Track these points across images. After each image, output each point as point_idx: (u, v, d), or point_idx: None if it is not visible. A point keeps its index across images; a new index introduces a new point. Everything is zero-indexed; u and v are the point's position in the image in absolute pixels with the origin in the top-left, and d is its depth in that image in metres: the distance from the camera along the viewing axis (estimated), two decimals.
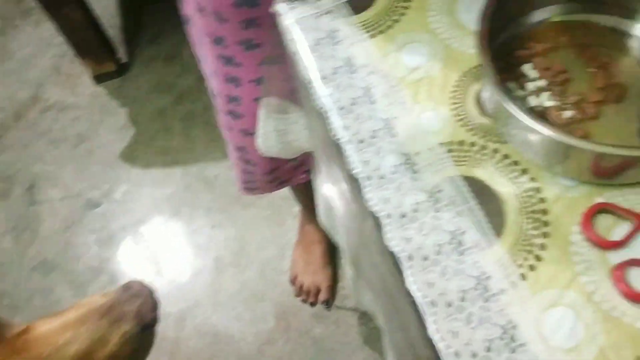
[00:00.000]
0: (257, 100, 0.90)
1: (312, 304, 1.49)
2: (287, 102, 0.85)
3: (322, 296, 1.48)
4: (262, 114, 0.88)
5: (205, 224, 1.67)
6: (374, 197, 0.58)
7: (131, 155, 1.84)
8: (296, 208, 1.57)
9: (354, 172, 0.60)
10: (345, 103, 0.64)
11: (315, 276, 1.49)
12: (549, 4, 0.65)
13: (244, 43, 0.84)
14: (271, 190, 1.20)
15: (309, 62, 0.67)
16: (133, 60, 2.05)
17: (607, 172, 0.53)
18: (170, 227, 1.69)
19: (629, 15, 0.62)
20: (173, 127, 1.88)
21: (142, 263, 1.64)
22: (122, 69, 2.01)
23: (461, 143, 0.59)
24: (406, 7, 0.70)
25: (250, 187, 1.20)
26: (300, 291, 1.49)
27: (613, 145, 0.50)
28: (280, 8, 0.71)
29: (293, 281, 1.52)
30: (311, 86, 0.66)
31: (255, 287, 1.55)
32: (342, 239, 0.87)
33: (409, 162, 0.59)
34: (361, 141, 0.61)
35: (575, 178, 0.55)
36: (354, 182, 0.60)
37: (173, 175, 1.78)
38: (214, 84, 0.98)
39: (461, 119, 0.61)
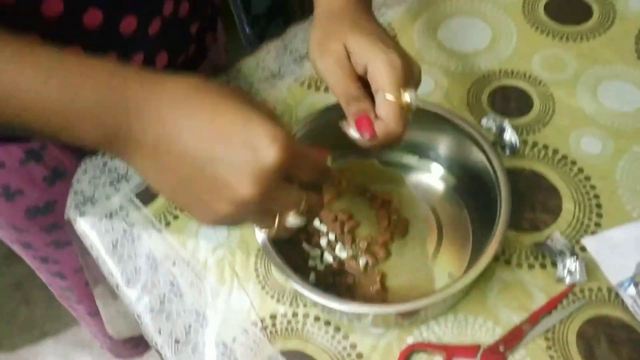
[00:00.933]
0: (88, 285, 0.87)
1: None
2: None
3: None
4: (99, 303, 0.84)
5: None
6: None
7: None
8: None
9: None
10: (154, 304, 0.63)
11: None
12: None
13: (53, 244, 0.82)
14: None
15: (111, 267, 0.66)
16: None
17: (406, 317, 0.56)
18: None
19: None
20: (33, 297, 1.76)
21: None
22: None
23: (273, 316, 0.60)
24: None
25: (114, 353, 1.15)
26: None
27: (404, 303, 0.52)
28: (71, 214, 0.70)
29: None
30: (119, 291, 0.65)
31: None
32: None
33: (226, 353, 0.58)
34: (177, 341, 0.60)
35: (383, 327, 0.57)
36: None
37: (45, 345, 1.66)
38: (43, 277, 0.94)
39: (268, 291, 0.61)
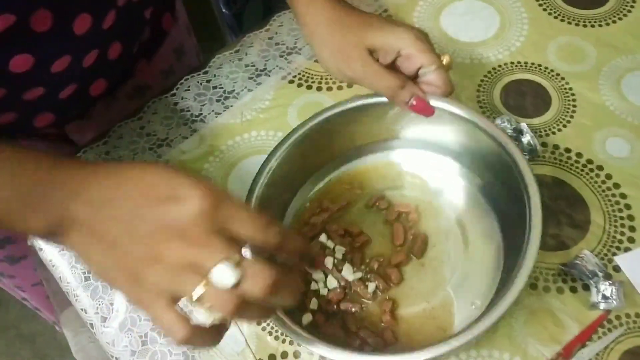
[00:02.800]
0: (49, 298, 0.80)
1: None
2: None
3: None
4: (67, 331, 0.76)
5: None
6: None
7: None
8: None
9: None
10: (135, 345, 0.55)
11: None
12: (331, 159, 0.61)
13: (7, 259, 0.75)
14: None
15: (84, 303, 0.58)
16: None
17: None
18: None
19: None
20: (6, 298, 1.67)
21: None
22: None
23: (272, 357, 0.53)
24: None
25: None
26: None
27: (412, 352, 0.44)
28: (35, 241, 0.61)
29: None
30: (96, 332, 0.57)
31: None
32: None
33: None
34: None
35: None
36: None
37: (22, 347, 1.58)
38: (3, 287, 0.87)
39: (265, 328, 0.54)
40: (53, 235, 0.40)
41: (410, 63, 0.52)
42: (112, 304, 0.57)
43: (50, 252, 0.61)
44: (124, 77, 0.71)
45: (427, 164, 0.60)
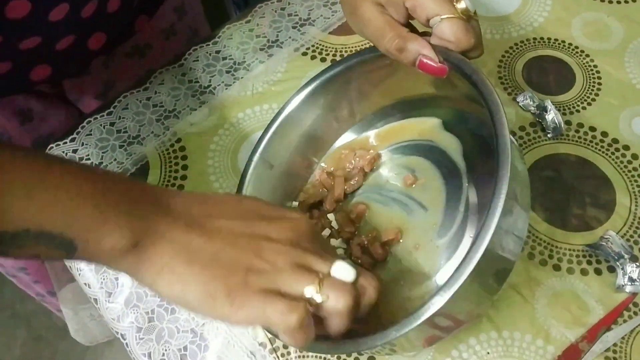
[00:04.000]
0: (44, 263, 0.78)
1: None
2: None
3: None
4: (65, 309, 0.74)
5: None
6: None
7: None
8: None
9: None
10: (141, 322, 0.53)
11: None
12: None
13: None
14: None
15: (88, 277, 0.56)
16: None
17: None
18: None
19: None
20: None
21: None
22: None
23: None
24: None
25: None
26: None
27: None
28: None
29: None
30: (100, 307, 0.55)
31: None
32: None
33: None
34: None
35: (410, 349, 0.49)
36: None
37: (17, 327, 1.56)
38: None
39: None
40: (129, 251, 0.35)
41: (418, 15, 0.45)
42: (117, 279, 0.55)
43: None
44: (124, 33, 0.68)
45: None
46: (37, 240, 0.33)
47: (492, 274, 0.43)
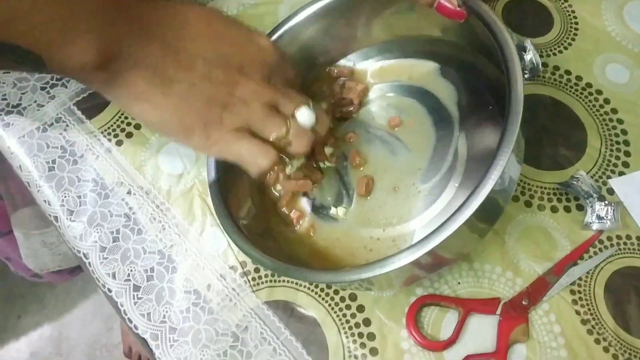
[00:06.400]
0: None
1: None
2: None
3: None
4: (18, 233, 0.71)
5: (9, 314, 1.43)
6: None
7: None
8: None
9: (136, 332, 0.48)
10: (105, 241, 0.51)
11: None
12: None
13: None
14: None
15: (47, 194, 0.53)
16: None
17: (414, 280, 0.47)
18: None
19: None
20: None
21: None
22: None
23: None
24: None
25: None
26: None
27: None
28: None
29: (128, 354, 1.36)
30: (60, 224, 0.52)
31: None
32: None
33: (199, 304, 0.48)
34: (137, 288, 0.49)
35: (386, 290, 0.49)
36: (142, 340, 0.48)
37: None
38: None
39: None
40: (99, 68, 0.35)
41: None
42: (79, 197, 0.52)
43: (8, 139, 0.55)
44: None
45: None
46: (2, 52, 0.32)
47: (486, 218, 0.44)
